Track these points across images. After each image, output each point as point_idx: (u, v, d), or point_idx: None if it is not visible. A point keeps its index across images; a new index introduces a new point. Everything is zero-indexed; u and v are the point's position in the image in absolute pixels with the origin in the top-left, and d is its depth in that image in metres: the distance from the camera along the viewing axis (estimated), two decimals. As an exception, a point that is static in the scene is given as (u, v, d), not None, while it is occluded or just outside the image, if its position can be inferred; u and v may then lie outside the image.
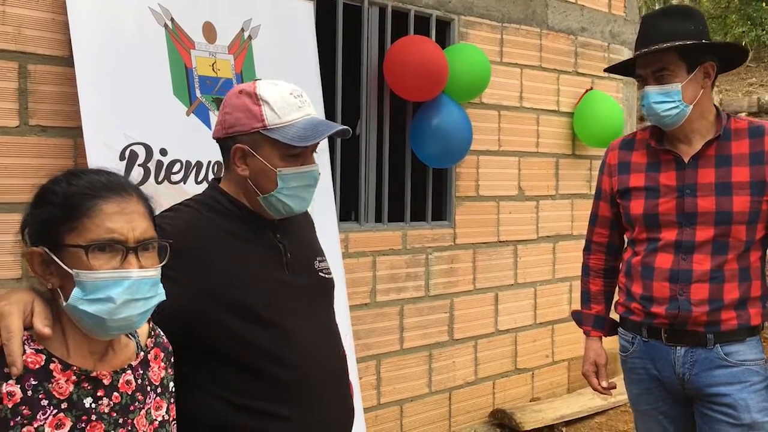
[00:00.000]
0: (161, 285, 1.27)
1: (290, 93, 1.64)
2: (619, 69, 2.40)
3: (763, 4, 12.37)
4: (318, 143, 1.66)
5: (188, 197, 1.75)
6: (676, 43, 2.09)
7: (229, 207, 1.67)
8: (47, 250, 1.21)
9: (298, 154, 1.62)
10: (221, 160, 2.87)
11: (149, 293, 1.23)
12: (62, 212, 1.21)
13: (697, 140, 2.19)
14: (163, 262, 1.28)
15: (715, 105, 2.23)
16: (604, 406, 4.57)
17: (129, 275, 1.20)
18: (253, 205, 1.68)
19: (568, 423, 4.38)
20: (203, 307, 1.55)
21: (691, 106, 2.14)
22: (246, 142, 1.62)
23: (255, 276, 1.63)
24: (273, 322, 1.60)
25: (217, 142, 1.71)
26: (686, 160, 2.19)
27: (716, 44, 2.24)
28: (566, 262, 4.68)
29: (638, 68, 2.20)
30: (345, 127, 1.64)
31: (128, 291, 1.20)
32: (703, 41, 2.12)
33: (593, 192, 4.87)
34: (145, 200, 1.30)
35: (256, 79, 1.72)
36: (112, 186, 1.26)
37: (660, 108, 2.14)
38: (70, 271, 1.19)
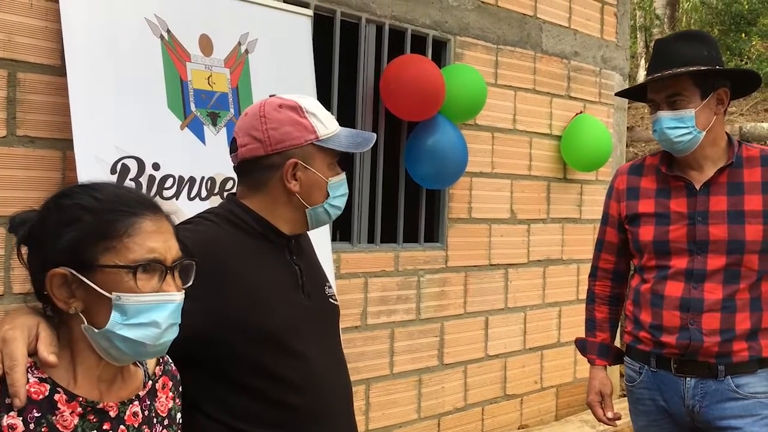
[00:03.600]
0: None
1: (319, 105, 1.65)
2: (629, 93, 2.36)
3: (742, 35, 12.58)
4: None
5: (202, 211, 1.66)
6: (691, 69, 2.06)
7: (250, 223, 1.58)
8: (73, 271, 1.10)
9: (335, 164, 1.63)
10: (214, 176, 2.88)
11: (180, 317, 1.17)
12: (97, 231, 1.11)
13: (709, 167, 2.15)
14: (189, 284, 1.20)
15: (726, 132, 2.20)
16: (592, 434, 4.51)
17: (173, 298, 1.13)
18: (285, 223, 1.60)
19: (557, 451, 4.31)
20: (223, 329, 1.46)
21: (704, 132, 2.10)
22: (298, 155, 1.56)
23: (277, 299, 1.55)
24: (293, 348, 1.52)
25: (247, 162, 1.58)
26: (698, 186, 2.15)
27: (730, 70, 2.22)
28: (556, 287, 4.61)
29: (650, 93, 2.16)
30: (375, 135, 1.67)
31: (173, 315, 1.13)
32: (717, 67, 2.10)
33: (583, 217, 4.92)
34: (168, 217, 1.21)
35: (272, 95, 1.66)
36: (145, 203, 1.17)
37: (673, 134, 2.10)
38: (108, 294, 1.09)
